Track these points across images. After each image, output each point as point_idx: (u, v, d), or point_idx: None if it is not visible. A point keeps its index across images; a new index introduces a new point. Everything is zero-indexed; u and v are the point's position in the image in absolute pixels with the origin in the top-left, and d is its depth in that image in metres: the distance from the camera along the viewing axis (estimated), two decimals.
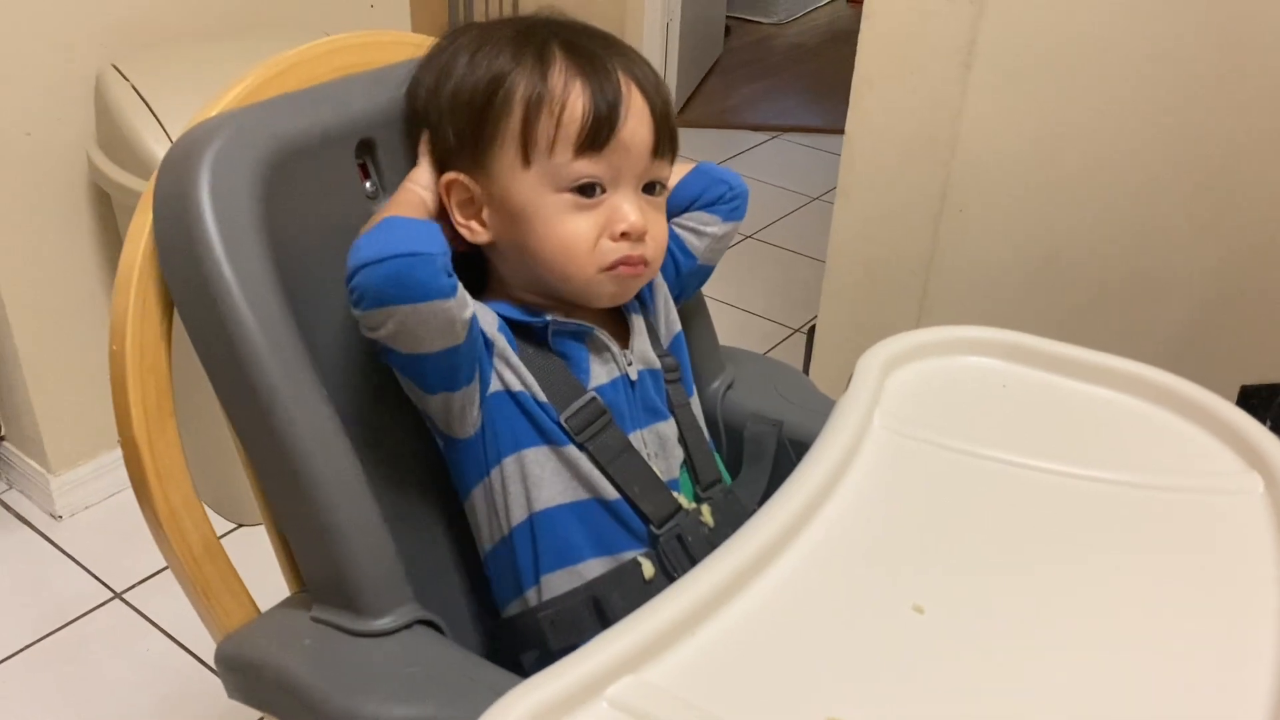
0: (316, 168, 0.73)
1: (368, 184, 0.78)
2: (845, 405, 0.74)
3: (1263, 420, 1.19)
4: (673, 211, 0.85)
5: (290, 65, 0.76)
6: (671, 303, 0.86)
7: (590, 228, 0.74)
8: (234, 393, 0.66)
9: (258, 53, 0.77)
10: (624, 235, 0.74)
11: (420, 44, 0.85)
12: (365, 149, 0.77)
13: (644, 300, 0.83)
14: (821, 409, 0.76)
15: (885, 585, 0.62)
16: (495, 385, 0.74)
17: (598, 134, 0.72)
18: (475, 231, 0.76)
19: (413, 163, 0.78)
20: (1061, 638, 0.59)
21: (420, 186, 0.76)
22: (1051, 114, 1.29)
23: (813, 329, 1.59)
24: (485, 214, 0.76)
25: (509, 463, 0.75)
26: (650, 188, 0.77)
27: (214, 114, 0.71)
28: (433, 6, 2.67)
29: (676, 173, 0.84)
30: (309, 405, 0.65)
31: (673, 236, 0.85)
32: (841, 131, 1.40)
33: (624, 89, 0.73)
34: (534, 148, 0.72)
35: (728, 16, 3.69)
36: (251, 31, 1.56)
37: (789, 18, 4.02)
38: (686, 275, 0.87)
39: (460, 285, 0.68)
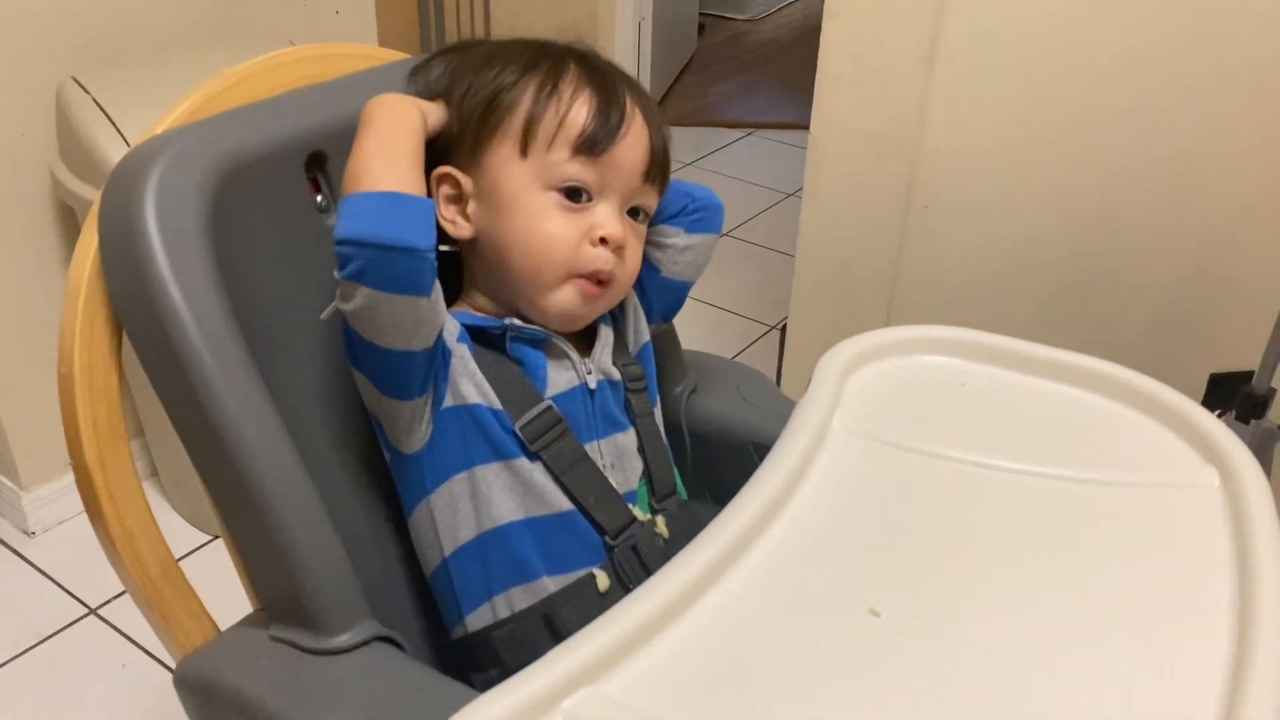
0: (265, 182, 0.73)
1: (318, 197, 0.77)
2: (805, 407, 0.75)
3: (1229, 407, 1.20)
4: None
5: (240, 79, 0.76)
6: (641, 311, 0.86)
7: (572, 231, 0.74)
8: (183, 412, 0.65)
9: (219, 64, 0.77)
10: (603, 241, 0.75)
11: (373, 56, 0.85)
12: (315, 162, 0.76)
13: (613, 311, 0.83)
14: (784, 411, 0.76)
15: (842, 589, 0.62)
16: (449, 400, 0.73)
17: (595, 141, 0.74)
18: (459, 226, 0.77)
19: None
20: (1019, 636, 0.60)
21: (410, 125, 0.73)
22: (1014, 110, 1.29)
23: (786, 326, 1.59)
24: (471, 208, 0.76)
25: (458, 480, 0.74)
26: (634, 213, 0.78)
27: (161, 130, 0.70)
28: (400, 13, 2.66)
29: None
30: (259, 423, 0.65)
31: None
32: None
33: (629, 108, 0.76)
34: (533, 141, 0.74)
35: (701, 13, 3.69)
36: (213, 43, 1.55)
37: (762, 14, 4.02)
38: (653, 290, 0.86)
39: (438, 289, 0.69)
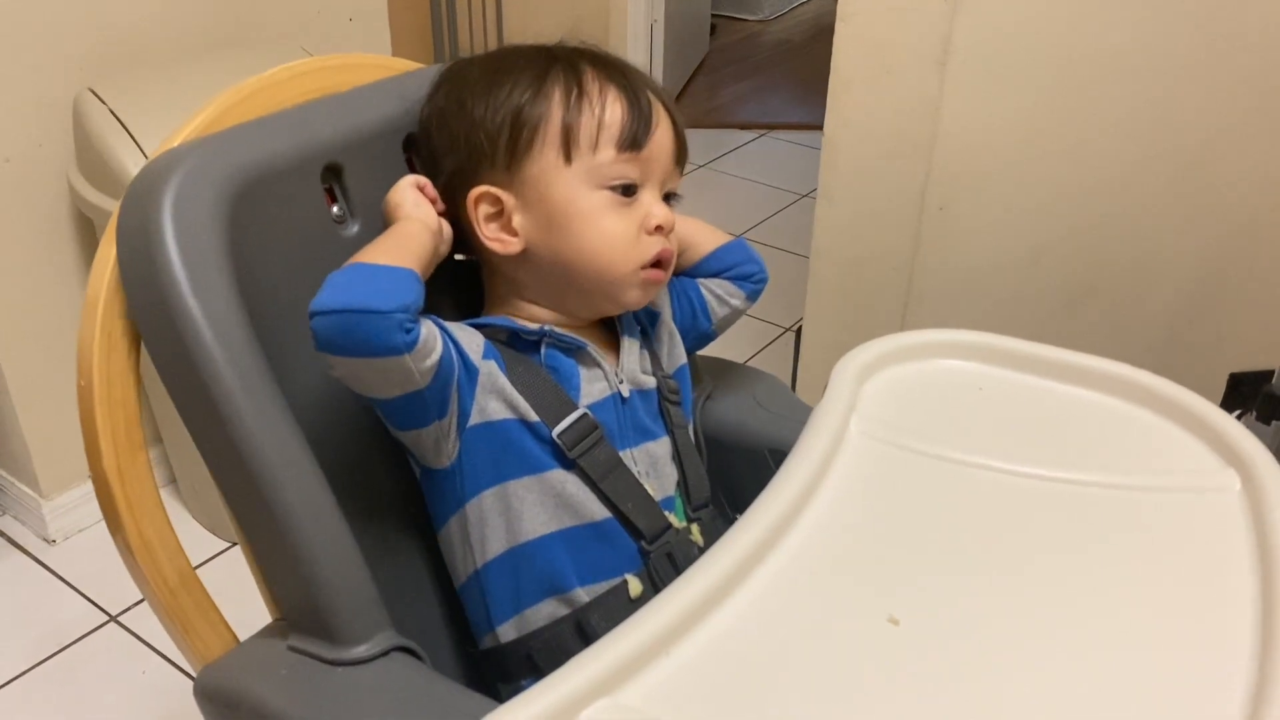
0: (282, 194, 0.73)
1: (334, 208, 0.77)
2: (821, 413, 0.74)
3: (1249, 408, 1.19)
4: (703, 274, 0.88)
5: (255, 90, 0.76)
6: (678, 336, 0.86)
7: (630, 225, 0.76)
8: (202, 424, 0.66)
9: (234, 73, 0.78)
10: (658, 229, 0.77)
11: (388, 66, 0.85)
12: (332, 173, 0.76)
13: (643, 326, 0.84)
14: (801, 417, 0.76)
15: (861, 597, 0.62)
16: (476, 418, 0.73)
17: (636, 134, 0.75)
18: (507, 242, 0.76)
19: (383, 185, 0.78)
20: (1039, 643, 0.59)
21: (422, 216, 0.75)
22: (1029, 110, 1.29)
23: (801, 329, 1.59)
24: (516, 221, 0.76)
25: (488, 496, 0.74)
26: (668, 196, 0.80)
27: (177, 143, 0.71)
28: (413, 20, 2.67)
29: (712, 238, 0.88)
30: (278, 435, 0.65)
31: (698, 295, 0.88)
32: None
33: (651, 97, 0.77)
34: (575, 146, 0.75)
35: (713, 14, 3.69)
36: (229, 52, 1.56)
37: (774, 14, 4.01)
38: (695, 336, 0.89)
39: (428, 333, 0.67)
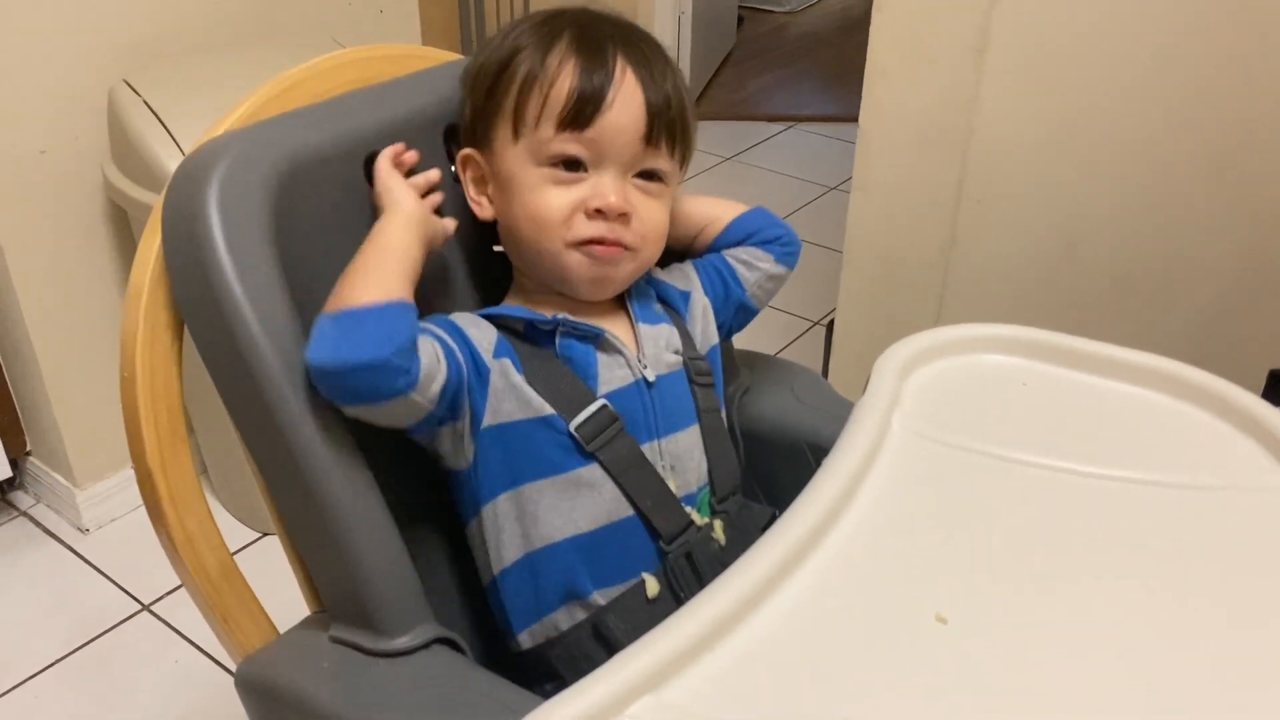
0: (326, 183, 0.73)
1: None
2: (863, 408, 0.73)
3: None
4: (726, 244, 0.87)
5: (297, 81, 0.76)
6: (711, 315, 0.85)
7: (565, 202, 0.74)
8: (247, 413, 0.66)
9: (268, 64, 0.78)
10: (599, 213, 0.74)
11: (428, 56, 0.85)
12: (374, 163, 0.76)
13: (675, 307, 0.83)
14: (840, 412, 0.75)
15: (907, 595, 0.61)
16: (489, 419, 0.72)
17: (580, 112, 0.73)
18: (483, 206, 0.79)
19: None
20: (1088, 643, 0.58)
21: (406, 209, 0.73)
22: (1067, 101, 1.27)
23: (832, 322, 1.58)
24: (490, 189, 0.78)
25: (504, 500, 0.73)
26: (649, 175, 0.76)
27: (221, 132, 0.70)
28: (442, 11, 2.67)
29: (731, 210, 0.87)
30: (323, 425, 0.65)
31: (724, 264, 0.86)
32: (857, 120, 1.38)
33: (617, 73, 0.73)
34: (522, 122, 0.74)
35: (740, 6, 3.67)
36: (261, 43, 1.56)
37: (802, 6, 3.99)
38: (735, 306, 0.87)
39: (428, 361, 0.66)
